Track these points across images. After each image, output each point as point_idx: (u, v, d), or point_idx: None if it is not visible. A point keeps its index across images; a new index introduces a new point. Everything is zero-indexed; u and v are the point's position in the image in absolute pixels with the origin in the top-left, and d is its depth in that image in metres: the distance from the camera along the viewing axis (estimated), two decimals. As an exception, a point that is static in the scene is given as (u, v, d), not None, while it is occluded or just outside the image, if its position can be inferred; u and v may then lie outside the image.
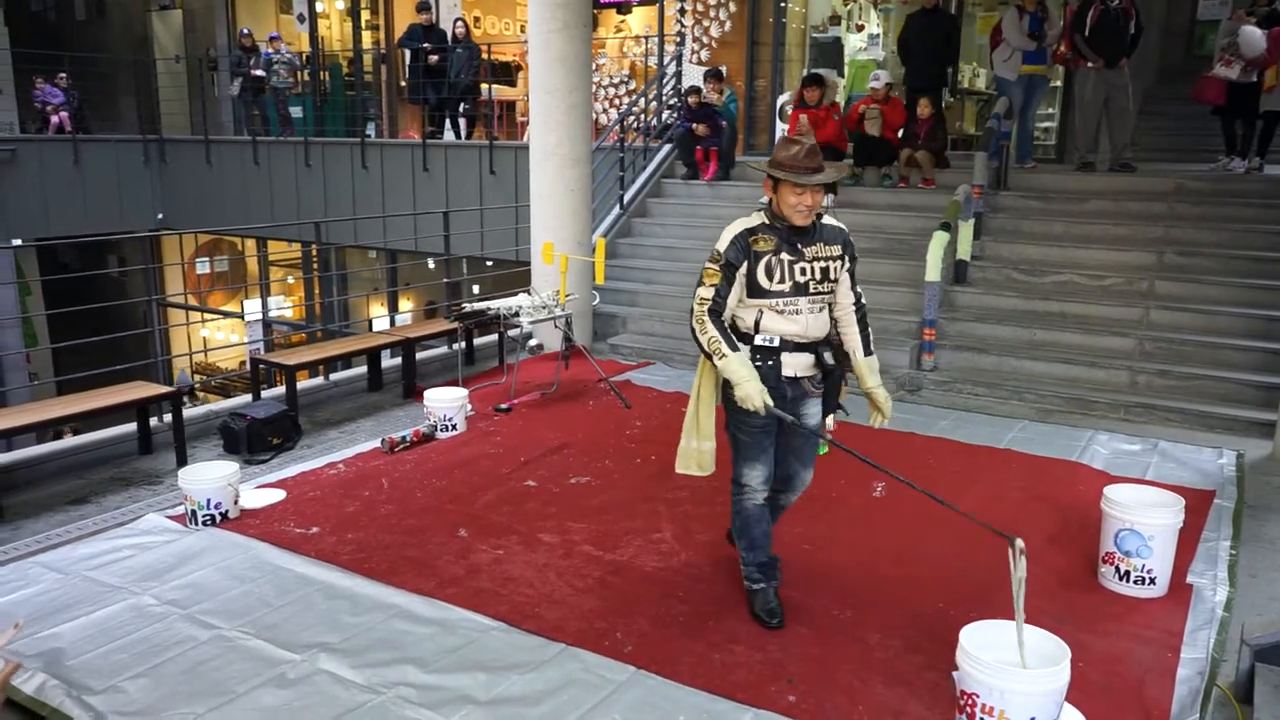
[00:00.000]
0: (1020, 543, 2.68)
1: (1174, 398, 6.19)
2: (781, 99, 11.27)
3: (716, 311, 3.23)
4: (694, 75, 11.03)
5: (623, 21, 13.10)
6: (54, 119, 13.74)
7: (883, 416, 3.52)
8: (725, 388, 3.33)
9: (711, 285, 3.24)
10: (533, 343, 7.22)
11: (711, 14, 11.68)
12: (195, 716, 2.85)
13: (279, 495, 4.63)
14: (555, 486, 4.81)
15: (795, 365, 3.31)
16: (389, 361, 7.00)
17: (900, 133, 8.92)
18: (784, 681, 3.06)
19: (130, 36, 16.94)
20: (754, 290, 3.24)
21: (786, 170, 3.16)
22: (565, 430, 5.72)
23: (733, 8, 11.56)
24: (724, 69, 10.81)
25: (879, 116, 8.84)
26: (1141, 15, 8.38)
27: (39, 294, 14.85)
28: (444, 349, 7.70)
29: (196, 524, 4.22)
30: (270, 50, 13.30)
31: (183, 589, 3.65)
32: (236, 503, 4.34)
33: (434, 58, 11.69)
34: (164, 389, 5.37)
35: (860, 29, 11.91)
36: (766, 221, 3.27)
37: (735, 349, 3.20)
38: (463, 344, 7.35)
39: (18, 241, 12.55)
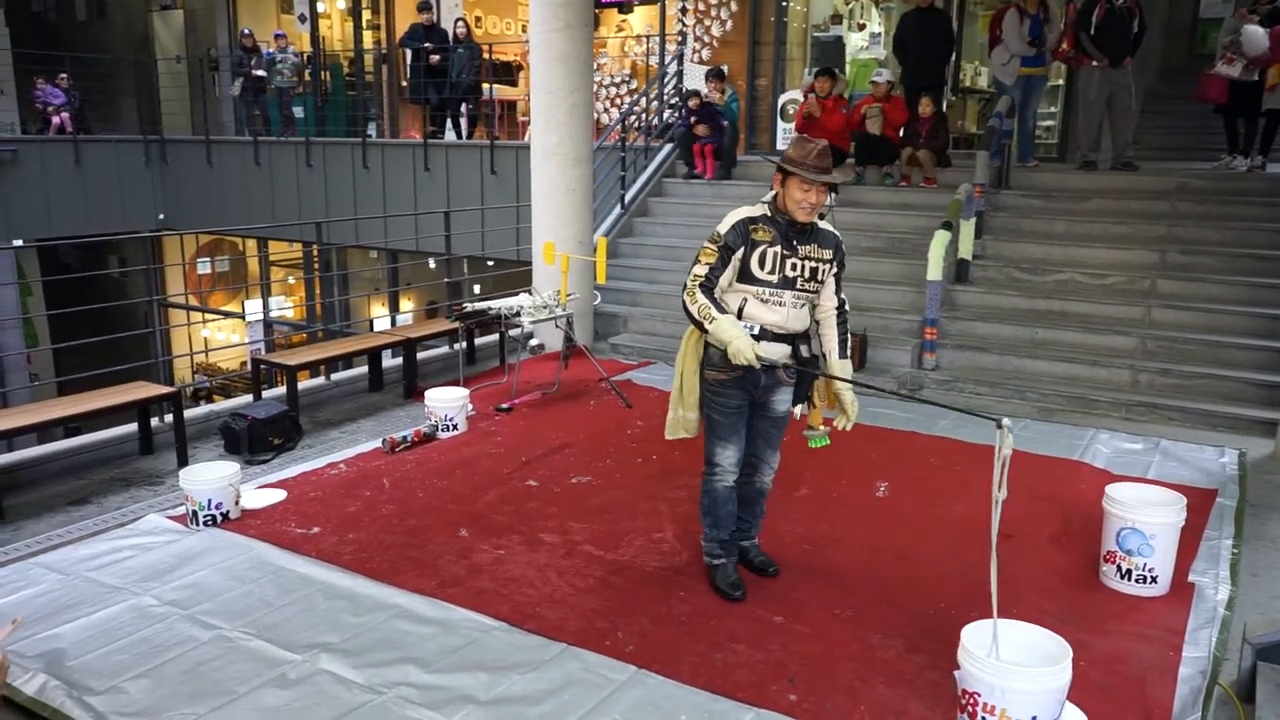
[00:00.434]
0: (1007, 421, 2.73)
1: (1176, 396, 6.18)
2: (783, 98, 11.27)
3: (708, 288, 3.39)
4: (695, 74, 11.03)
5: (624, 21, 13.10)
6: (55, 119, 13.75)
7: (847, 419, 3.63)
8: (703, 369, 3.53)
9: (706, 264, 3.39)
10: (534, 342, 7.22)
11: (713, 13, 11.68)
12: (196, 717, 2.85)
13: (280, 495, 4.63)
14: (556, 486, 4.81)
15: (772, 353, 3.44)
16: (390, 361, 7.00)
17: (902, 131, 8.92)
18: (785, 681, 3.06)
19: (131, 37, 16.95)
20: (744, 276, 3.39)
21: (797, 166, 3.29)
22: (566, 430, 5.71)
23: (734, 7, 11.56)
24: (725, 68, 10.81)
25: (880, 115, 8.84)
26: (1145, 13, 8.37)
27: (40, 294, 14.86)
28: (445, 349, 7.70)
29: (197, 524, 4.21)
30: (275, 50, 13.30)
31: (184, 589, 3.65)
32: (237, 503, 4.34)
33: (435, 57, 11.69)
34: (165, 389, 5.37)
35: (862, 28, 11.90)
36: (769, 214, 3.41)
37: (724, 313, 3.36)
38: (464, 344, 7.35)
39: (19, 242, 12.56)
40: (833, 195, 9.33)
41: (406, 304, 14.17)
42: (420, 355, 7.02)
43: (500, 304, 6.42)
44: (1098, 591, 3.72)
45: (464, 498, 4.62)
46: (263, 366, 6.38)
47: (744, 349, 3.28)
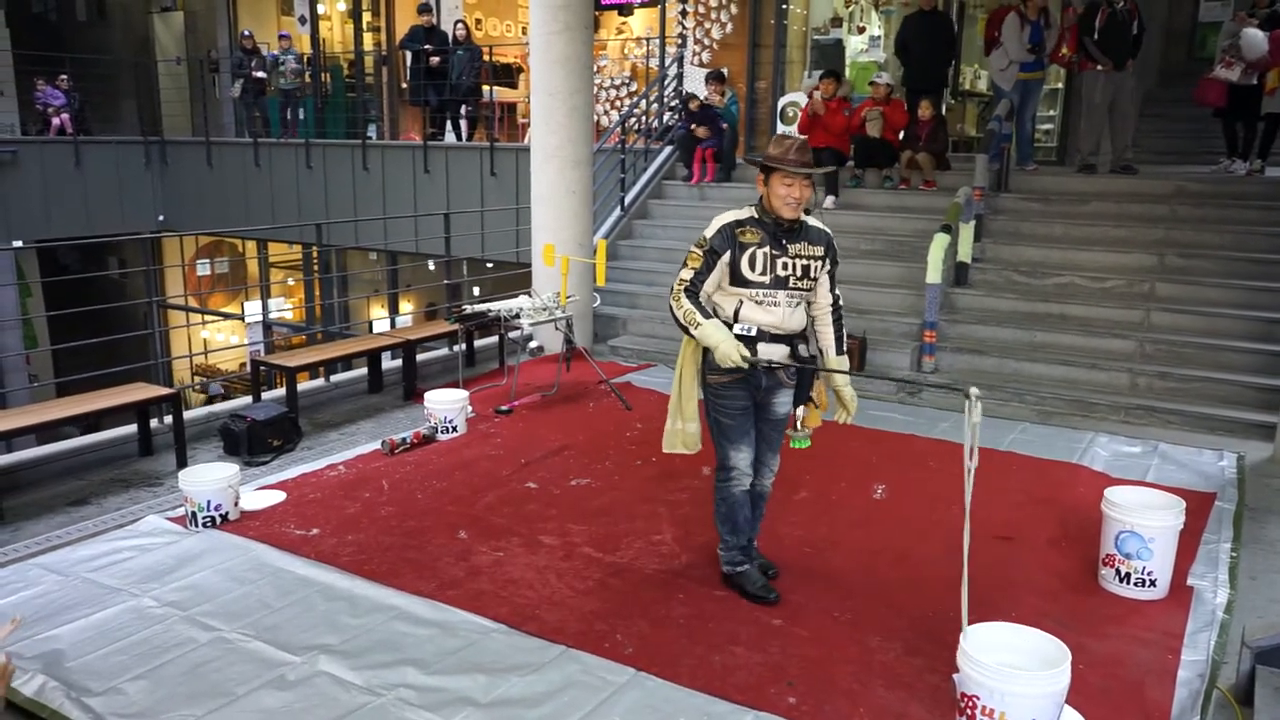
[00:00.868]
0: (974, 390, 2.75)
1: (1175, 400, 6.18)
2: (783, 100, 11.28)
3: (693, 292, 3.40)
4: (695, 77, 11.03)
5: (624, 23, 13.11)
6: (55, 121, 13.74)
7: (847, 414, 3.63)
8: (704, 374, 3.52)
9: (692, 268, 3.41)
10: (533, 344, 7.22)
11: (713, 16, 11.69)
12: (195, 718, 2.85)
13: (279, 497, 4.63)
14: (556, 488, 4.81)
15: (771, 354, 3.44)
16: (389, 363, 7.00)
17: (901, 134, 8.92)
18: (784, 684, 3.06)
19: (131, 38, 16.95)
20: (736, 279, 3.39)
21: (778, 161, 3.32)
22: (566, 432, 5.72)
23: (734, 10, 11.57)
24: (725, 71, 10.82)
25: (880, 118, 8.85)
26: (1143, 16, 8.38)
27: (39, 295, 14.85)
28: (444, 351, 7.70)
29: (197, 526, 4.21)
30: (277, 51, 13.29)
31: (183, 590, 3.65)
32: (237, 504, 4.34)
33: (435, 59, 11.69)
34: (164, 390, 5.37)
35: (861, 31, 11.92)
36: (756, 216, 3.42)
37: (709, 318, 3.36)
38: (463, 346, 7.35)
39: (19, 243, 12.55)
40: (832, 198, 9.37)
41: (406, 306, 14.17)
42: (420, 357, 7.02)
43: (500, 306, 6.42)
44: (1096, 595, 3.72)
45: (463, 499, 4.62)
46: (262, 368, 6.38)
47: (730, 351, 3.29)
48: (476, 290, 12.25)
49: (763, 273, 3.36)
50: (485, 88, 11.97)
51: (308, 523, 4.31)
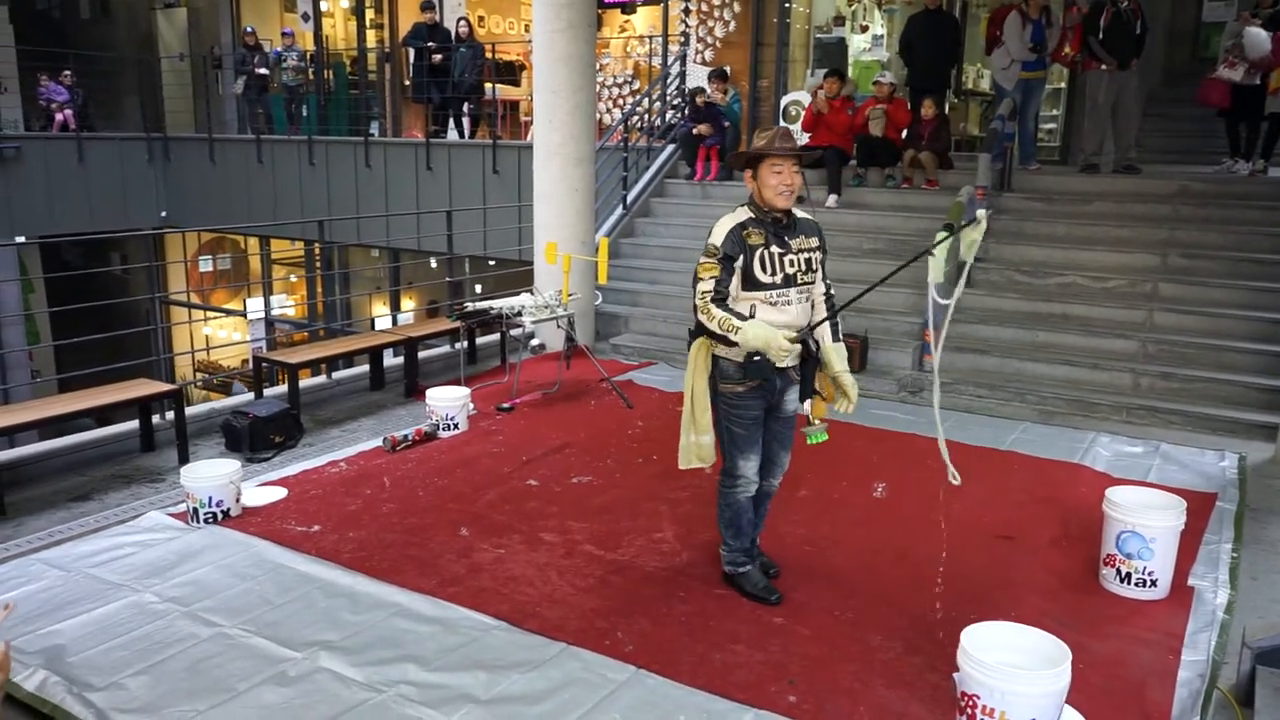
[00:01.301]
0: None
1: (1176, 400, 6.18)
2: (785, 99, 11.27)
3: (720, 299, 3.33)
4: (698, 75, 11.02)
5: (627, 21, 13.10)
6: (58, 116, 13.75)
7: (849, 402, 3.59)
8: (715, 383, 3.47)
9: (711, 278, 3.34)
10: (535, 342, 7.22)
11: (716, 14, 11.68)
12: (196, 714, 2.86)
13: (280, 493, 4.63)
14: (557, 486, 4.81)
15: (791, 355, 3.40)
16: (391, 360, 7.00)
17: (904, 133, 8.92)
18: (785, 682, 3.06)
19: (135, 34, 16.97)
20: (749, 283, 3.35)
21: (764, 149, 3.31)
22: (567, 430, 5.72)
23: (737, 8, 11.55)
24: (728, 69, 10.81)
25: (883, 117, 8.84)
26: (1146, 15, 8.37)
27: (42, 291, 14.87)
28: (446, 348, 7.70)
29: (198, 522, 4.22)
30: (281, 48, 13.29)
31: (184, 586, 3.65)
32: (238, 500, 4.34)
33: (438, 57, 11.69)
34: (166, 386, 5.38)
35: (864, 30, 11.91)
36: (752, 215, 3.40)
37: (745, 319, 3.29)
38: (465, 343, 7.36)
39: (22, 239, 12.56)
40: (834, 197, 9.37)
41: (408, 303, 14.17)
42: (421, 354, 7.03)
43: (502, 303, 6.43)
44: (1097, 595, 3.72)
45: (464, 497, 4.62)
46: (264, 364, 6.39)
47: (783, 344, 3.25)
48: (478, 288, 12.25)
49: (773, 273, 3.35)
50: (488, 85, 11.96)
51: (309, 519, 4.31)
